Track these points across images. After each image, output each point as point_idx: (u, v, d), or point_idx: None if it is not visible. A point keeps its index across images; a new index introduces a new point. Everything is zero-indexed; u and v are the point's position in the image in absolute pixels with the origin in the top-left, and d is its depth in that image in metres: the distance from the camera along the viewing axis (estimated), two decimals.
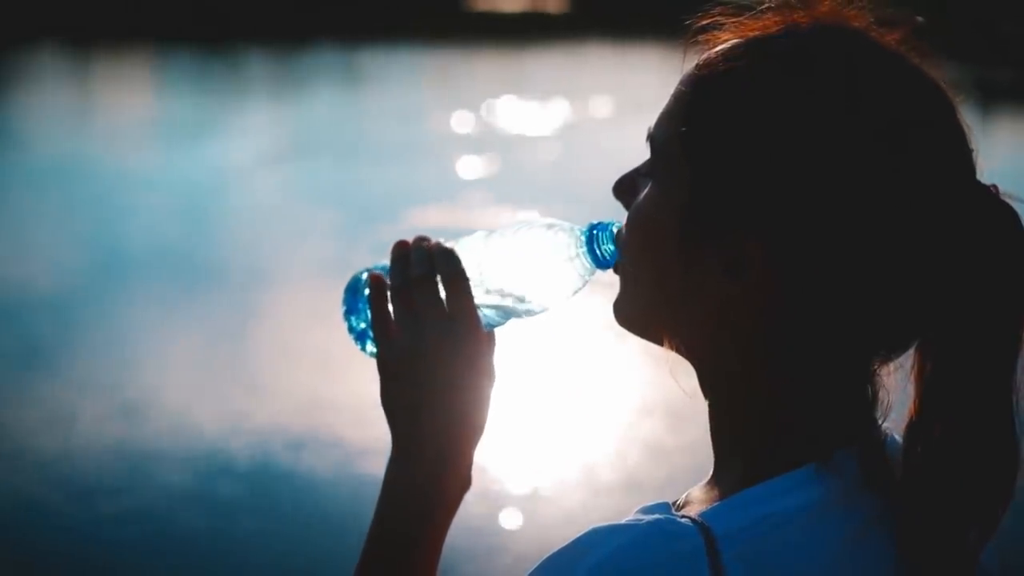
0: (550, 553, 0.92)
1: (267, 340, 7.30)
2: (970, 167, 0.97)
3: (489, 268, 1.15)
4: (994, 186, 0.97)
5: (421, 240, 1.15)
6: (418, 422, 1.11)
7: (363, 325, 1.20)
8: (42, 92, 17.86)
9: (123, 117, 15.84)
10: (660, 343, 1.04)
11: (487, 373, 1.12)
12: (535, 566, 0.93)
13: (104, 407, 6.11)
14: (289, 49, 24.51)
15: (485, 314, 1.15)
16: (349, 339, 1.21)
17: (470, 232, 1.18)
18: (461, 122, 15.03)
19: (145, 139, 14.17)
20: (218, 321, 7.60)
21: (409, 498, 1.11)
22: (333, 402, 6.13)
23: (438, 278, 1.12)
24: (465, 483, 1.13)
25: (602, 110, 16.41)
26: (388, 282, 1.15)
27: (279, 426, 5.91)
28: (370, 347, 1.20)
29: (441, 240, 1.16)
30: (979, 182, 0.97)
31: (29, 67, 21.21)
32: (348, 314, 1.21)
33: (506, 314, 1.16)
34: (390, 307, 1.14)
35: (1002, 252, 0.94)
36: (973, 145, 0.98)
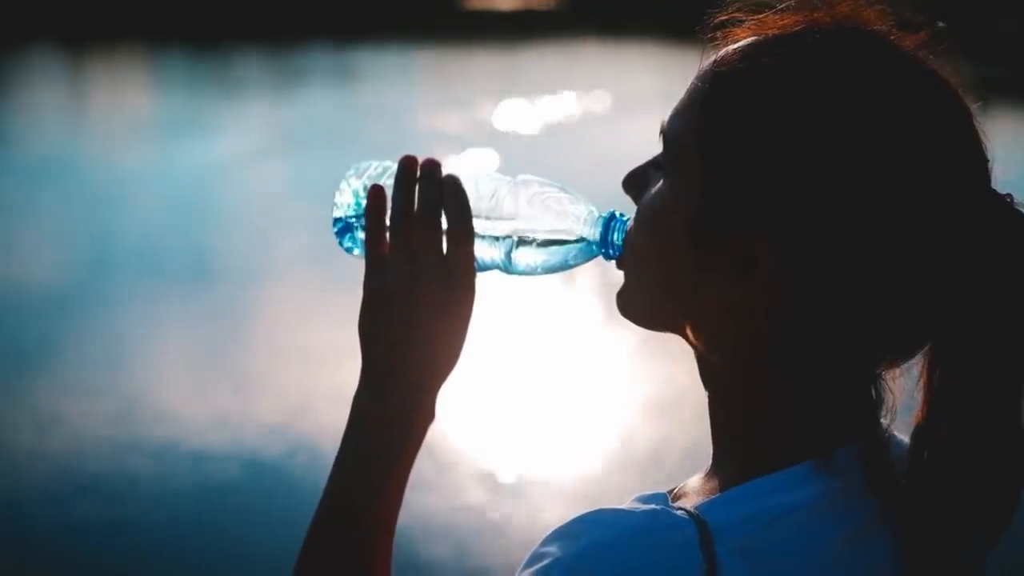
0: (549, 531, 0.93)
1: (258, 337, 7.30)
2: (984, 174, 0.97)
3: (496, 209, 1.13)
4: (1009, 195, 0.97)
5: (432, 166, 1.13)
6: (396, 355, 1.12)
7: (347, 219, 1.18)
8: (36, 91, 17.84)
9: (117, 115, 15.83)
10: (662, 332, 1.05)
11: (469, 316, 1.13)
12: (536, 546, 0.94)
13: (93, 406, 6.10)
14: (283, 47, 24.51)
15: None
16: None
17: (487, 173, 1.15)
18: (456, 119, 15.02)
19: (139, 137, 14.17)
20: (210, 319, 7.59)
21: (383, 428, 1.12)
22: (325, 400, 6.12)
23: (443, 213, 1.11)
24: (431, 416, 1.14)
25: (597, 107, 16.41)
26: (388, 199, 1.13)
27: (270, 425, 5.90)
28: (346, 243, 1.19)
29: (455, 173, 1.13)
30: (993, 190, 0.97)
31: (24, 66, 21.19)
32: (336, 207, 1.19)
33: (491, 263, 1.15)
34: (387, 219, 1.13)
35: (1014, 260, 0.94)
36: (989, 152, 0.97)
